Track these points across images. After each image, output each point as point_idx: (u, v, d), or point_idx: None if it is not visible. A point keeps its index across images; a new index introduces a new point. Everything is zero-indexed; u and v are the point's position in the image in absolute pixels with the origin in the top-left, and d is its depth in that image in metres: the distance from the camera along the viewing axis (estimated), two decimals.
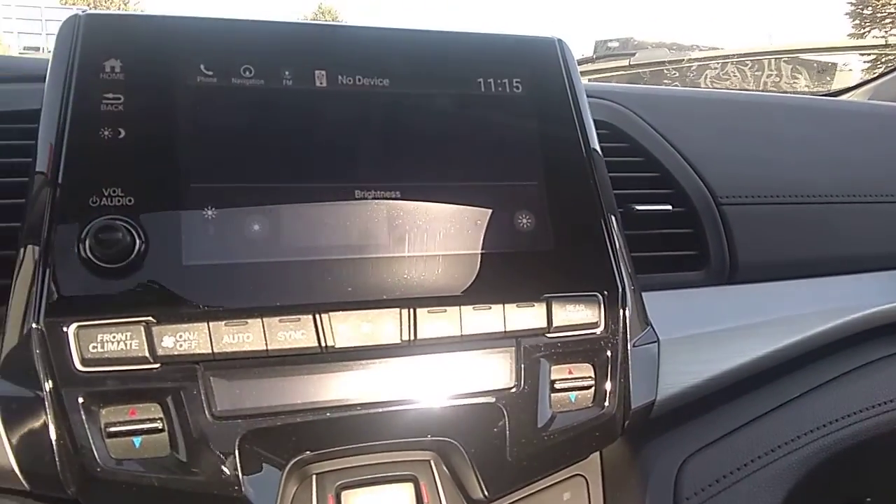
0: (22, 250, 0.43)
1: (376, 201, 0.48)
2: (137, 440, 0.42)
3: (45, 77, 0.48)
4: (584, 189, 0.53)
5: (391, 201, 0.48)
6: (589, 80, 1.12)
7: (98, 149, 0.45)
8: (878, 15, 20.52)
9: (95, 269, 0.42)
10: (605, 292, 0.50)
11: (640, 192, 0.61)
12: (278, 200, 0.47)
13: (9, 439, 0.41)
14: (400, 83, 0.52)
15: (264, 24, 0.53)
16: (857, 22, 21.10)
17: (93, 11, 0.48)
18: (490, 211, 0.50)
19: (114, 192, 0.44)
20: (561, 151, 0.53)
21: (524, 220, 0.51)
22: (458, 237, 0.49)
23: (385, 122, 0.51)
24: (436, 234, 0.49)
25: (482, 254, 0.49)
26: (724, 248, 0.62)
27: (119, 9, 29.20)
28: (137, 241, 0.43)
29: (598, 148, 0.55)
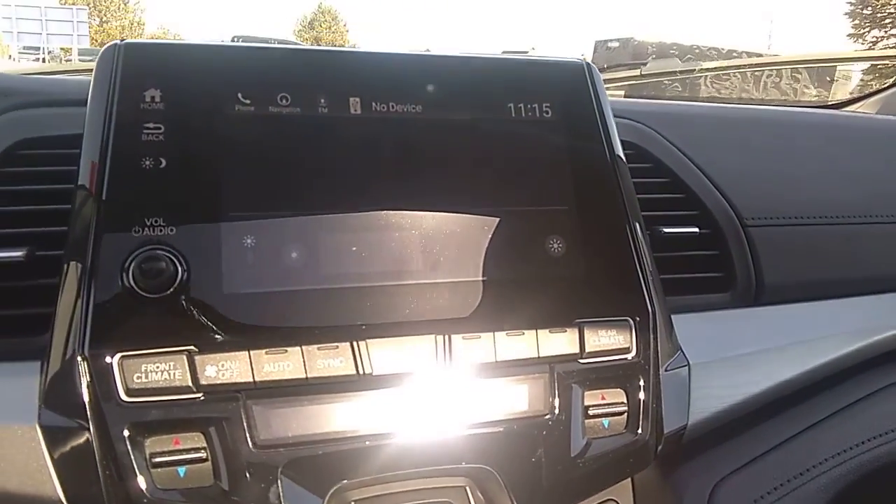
0: (64, 279, 0.44)
1: (411, 228, 0.49)
2: (182, 470, 0.42)
3: (86, 102, 0.49)
4: (614, 213, 0.53)
5: (425, 228, 0.49)
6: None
7: (139, 179, 0.45)
8: (878, 15, 20.52)
9: (138, 299, 0.43)
10: (637, 317, 0.51)
11: (666, 214, 0.62)
12: (316, 228, 0.47)
13: (55, 469, 0.42)
14: (432, 109, 0.53)
15: (300, 52, 0.53)
16: (857, 22, 21.11)
17: (132, 41, 0.49)
18: (522, 236, 0.51)
19: (156, 221, 0.45)
20: (591, 176, 0.54)
21: (555, 245, 0.51)
22: (491, 263, 0.50)
23: (418, 148, 0.51)
24: (469, 259, 0.49)
25: (514, 279, 0.50)
26: (749, 269, 0.62)
27: (119, 8, 29.21)
28: (179, 271, 0.43)
29: (627, 172, 0.55)
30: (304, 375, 0.45)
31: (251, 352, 0.44)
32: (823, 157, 0.75)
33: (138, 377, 0.42)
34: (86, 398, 0.41)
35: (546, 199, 0.52)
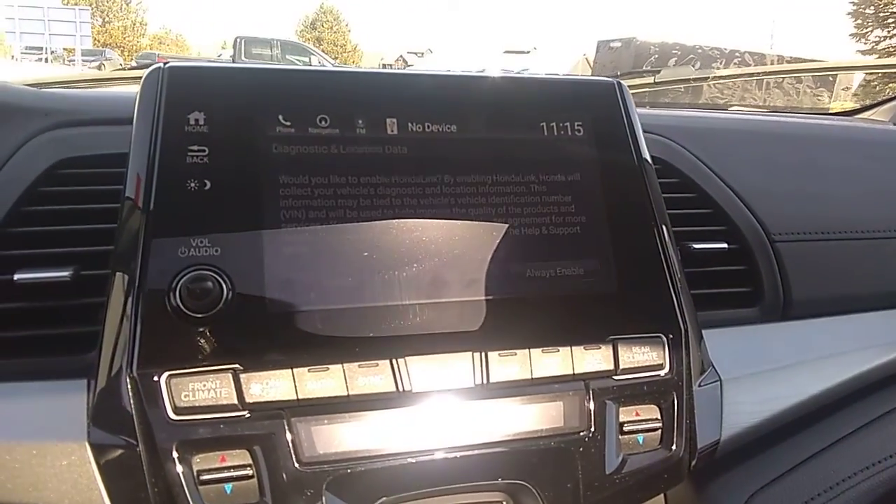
0: (111, 299, 0.45)
1: (446, 246, 0.50)
2: (228, 487, 0.43)
3: (124, 121, 0.50)
4: (646, 230, 0.54)
5: (460, 246, 0.50)
6: None
7: (185, 200, 0.46)
8: (881, 15, 20.49)
9: (185, 319, 0.44)
10: (670, 334, 0.52)
11: (694, 230, 0.63)
12: (356, 248, 0.48)
13: (105, 485, 0.43)
14: (467, 129, 0.53)
15: (337, 74, 0.54)
16: (860, 22, 21.08)
17: (175, 64, 0.50)
18: (555, 253, 0.52)
19: (201, 242, 0.45)
20: (623, 193, 0.55)
21: (588, 262, 0.52)
22: (525, 279, 0.50)
23: (453, 167, 0.52)
24: (503, 276, 0.50)
25: (548, 296, 0.50)
26: (777, 284, 0.63)
27: (121, 9, 29.26)
28: (224, 291, 0.44)
29: (659, 189, 0.56)
30: (345, 393, 0.45)
31: (294, 370, 0.45)
32: (846, 170, 0.75)
33: (186, 395, 0.43)
34: (134, 416, 0.42)
35: (579, 216, 0.53)
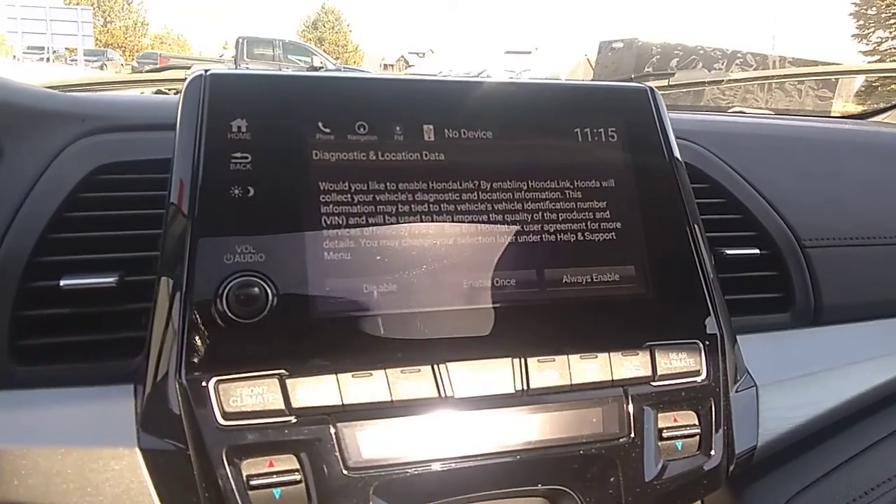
0: (158, 305, 0.45)
1: (485, 252, 0.50)
2: (277, 492, 0.43)
3: (160, 127, 0.50)
4: (680, 236, 0.55)
5: (498, 252, 0.50)
6: None
7: (229, 207, 0.46)
8: (883, 15, 20.50)
9: (232, 324, 0.44)
10: (706, 339, 0.52)
11: (724, 235, 0.63)
12: (395, 253, 0.48)
13: (157, 490, 0.43)
14: (502, 135, 0.54)
15: (376, 81, 0.55)
16: (861, 23, 21.09)
17: (217, 71, 0.50)
18: (591, 259, 0.52)
19: (246, 248, 0.46)
20: (657, 199, 0.55)
21: (624, 268, 0.52)
22: (562, 285, 0.51)
23: (489, 173, 0.53)
24: (540, 282, 0.51)
25: (585, 302, 0.51)
26: (808, 290, 0.63)
27: (122, 9, 29.27)
28: (269, 297, 0.45)
29: (692, 194, 0.56)
30: (389, 398, 0.46)
31: (338, 375, 0.45)
32: (873, 175, 0.76)
33: (234, 401, 0.43)
34: (184, 422, 0.43)
35: (614, 222, 0.54)
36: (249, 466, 0.43)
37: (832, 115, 1.47)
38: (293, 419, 0.44)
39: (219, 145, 0.48)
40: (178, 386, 0.43)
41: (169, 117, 0.57)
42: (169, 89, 1.20)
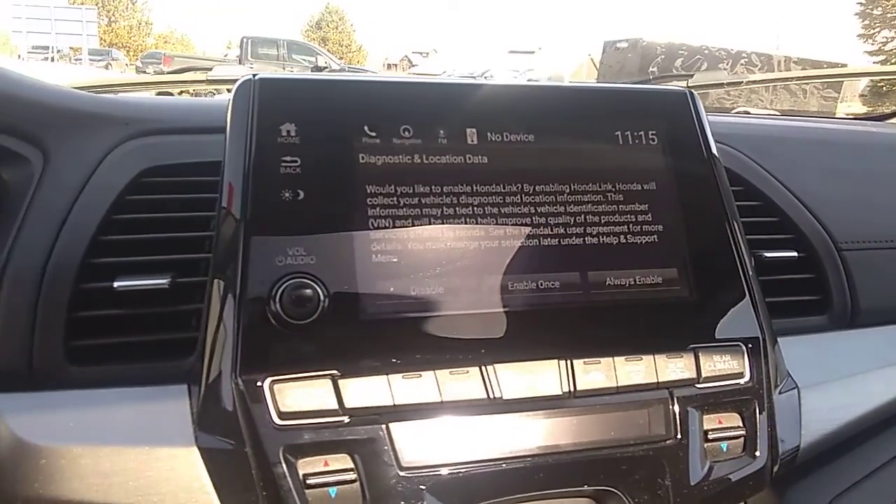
0: (212, 307, 0.46)
1: (530, 254, 0.51)
2: (333, 490, 0.44)
3: (202, 130, 0.51)
4: (721, 238, 0.55)
5: (543, 253, 0.51)
6: None
7: (280, 210, 0.47)
8: (888, 15, 20.45)
9: (285, 325, 0.45)
10: (749, 341, 0.52)
11: (762, 238, 0.63)
12: (442, 255, 0.49)
13: (216, 489, 0.44)
14: (544, 138, 0.54)
15: (419, 85, 0.55)
16: (867, 22, 21.03)
17: (265, 76, 0.50)
18: (633, 261, 0.52)
19: (297, 251, 0.46)
20: (699, 201, 0.55)
21: (667, 271, 0.53)
22: (605, 287, 0.51)
23: (531, 176, 0.53)
24: (584, 285, 0.51)
25: (629, 304, 0.51)
26: (845, 292, 0.64)
27: (126, 8, 29.32)
28: (321, 298, 0.45)
29: (732, 197, 0.57)
30: (438, 399, 0.46)
31: (389, 376, 0.46)
32: None
33: (289, 401, 0.44)
34: (241, 421, 0.43)
35: (656, 224, 0.54)
36: (305, 465, 0.44)
37: (829, 115, 1.47)
38: (346, 419, 0.44)
39: (269, 149, 0.48)
40: (234, 386, 0.43)
41: (209, 120, 0.58)
42: (188, 90, 1.21)
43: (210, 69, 1.04)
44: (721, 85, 1.38)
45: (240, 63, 13.51)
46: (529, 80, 0.85)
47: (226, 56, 16.56)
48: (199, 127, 0.57)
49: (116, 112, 0.57)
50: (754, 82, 1.37)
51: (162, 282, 0.49)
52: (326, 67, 13.77)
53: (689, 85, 1.36)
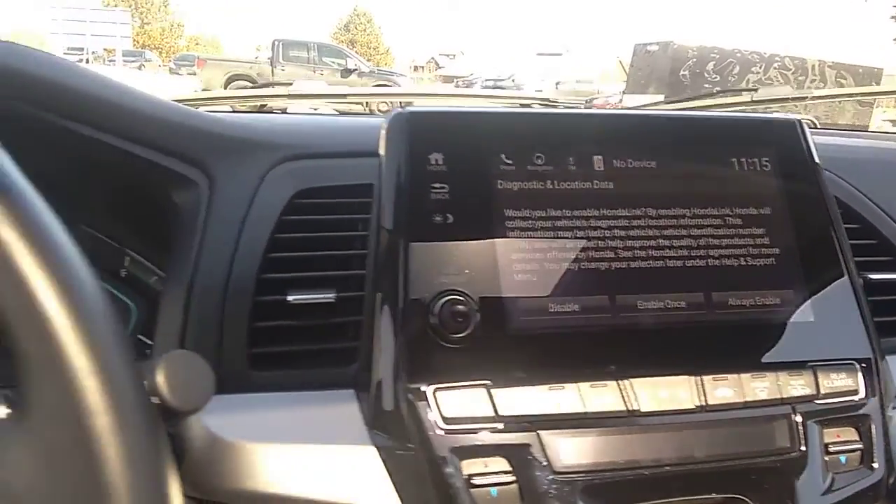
0: (377, 320, 0.50)
1: (654, 275, 0.54)
2: (494, 490, 0.48)
3: (347, 154, 0.56)
4: (834, 261, 0.58)
5: (666, 274, 0.55)
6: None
7: (434, 233, 0.51)
8: None
9: (443, 338, 0.49)
10: (862, 359, 0.56)
11: (862, 260, 0.66)
12: (575, 275, 0.53)
13: (394, 485, 0.48)
14: (665, 164, 0.58)
15: (550, 116, 0.60)
16: None
17: (416, 109, 0.55)
18: (752, 283, 0.56)
19: (450, 269, 0.51)
20: (810, 224, 0.59)
21: (784, 292, 0.56)
22: (729, 308, 0.55)
23: (655, 201, 0.57)
24: (708, 305, 0.55)
25: (751, 323, 0.55)
26: None
27: (159, 10, 29.91)
28: (474, 314, 0.50)
29: (841, 221, 0.60)
30: (582, 410, 0.50)
31: (536, 386, 0.50)
32: None
33: (450, 407, 0.48)
34: (410, 425, 0.48)
35: (773, 247, 0.57)
36: (468, 466, 0.48)
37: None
38: (501, 425, 0.49)
39: (421, 176, 0.53)
40: (402, 393, 0.48)
41: (350, 144, 0.63)
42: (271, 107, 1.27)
43: (247, 75, 1.09)
44: (786, 100, 1.40)
45: (271, 65, 13.72)
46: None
47: (256, 58, 16.77)
48: (342, 151, 0.63)
49: (267, 137, 0.62)
50: (819, 97, 1.39)
51: (329, 296, 0.53)
52: (356, 70, 13.93)
53: (754, 99, 1.39)
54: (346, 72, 13.64)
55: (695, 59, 12.14)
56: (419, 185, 0.52)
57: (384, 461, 0.48)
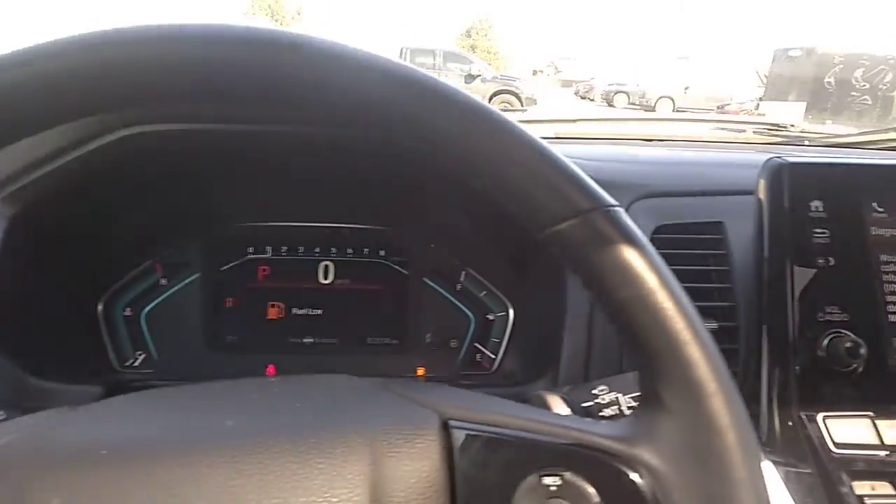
0: (768, 352, 0.57)
1: None
2: None
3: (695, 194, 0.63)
4: None
5: None
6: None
7: (818, 274, 0.58)
8: None
9: (829, 372, 0.55)
10: None
11: None
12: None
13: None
14: None
15: None
16: None
17: (794, 160, 0.61)
18: None
19: (834, 308, 0.57)
20: None
21: None
22: None
23: None
24: None
25: None
26: None
27: (292, 19, 31.68)
28: (859, 350, 0.55)
29: None
30: None
31: None
32: None
33: (839, 434, 0.54)
34: (805, 446, 0.54)
35: None
36: (859, 488, 0.54)
37: None
38: (885, 453, 0.54)
39: (803, 222, 0.59)
40: (797, 419, 0.55)
41: (699, 185, 0.71)
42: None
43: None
44: None
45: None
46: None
47: None
48: (692, 191, 0.70)
49: (628, 179, 0.71)
50: None
51: (713, 326, 0.61)
52: (479, 75, 14.13)
53: None
54: (470, 77, 13.86)
55: (841, 66, 11.28)
56: (802, 229, 0.59)
57: (787, 482, 0.55)
